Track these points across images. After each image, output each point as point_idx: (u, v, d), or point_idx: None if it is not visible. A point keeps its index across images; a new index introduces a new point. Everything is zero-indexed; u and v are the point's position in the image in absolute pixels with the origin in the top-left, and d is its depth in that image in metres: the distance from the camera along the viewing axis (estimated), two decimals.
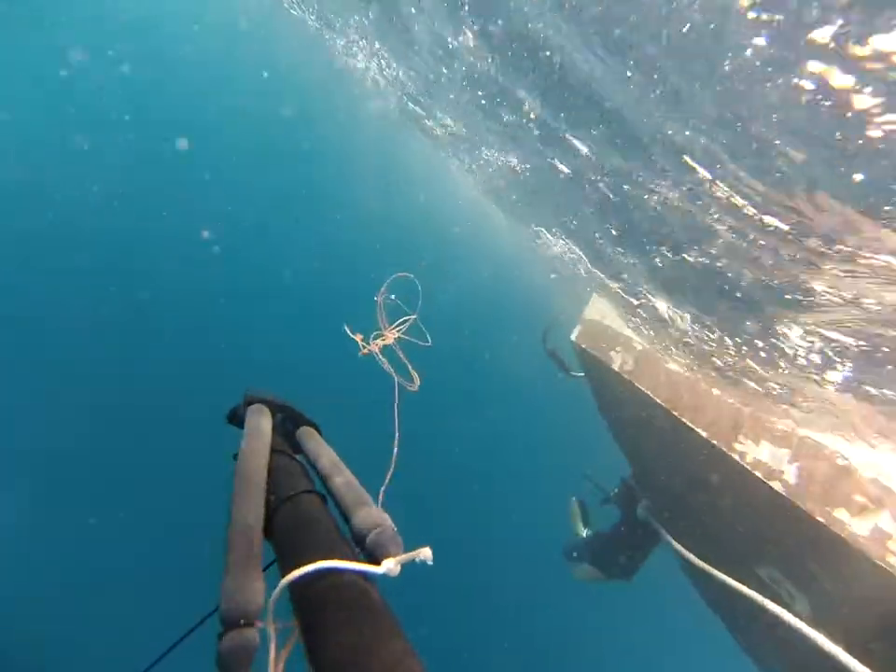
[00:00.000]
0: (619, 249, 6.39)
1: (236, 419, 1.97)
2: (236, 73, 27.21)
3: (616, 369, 6.21)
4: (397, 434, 2.03)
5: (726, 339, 5.03)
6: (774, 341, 4.16)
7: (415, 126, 10.71)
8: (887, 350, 3.21)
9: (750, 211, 3.20)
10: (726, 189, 3.24)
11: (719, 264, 4.28)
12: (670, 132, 3.20)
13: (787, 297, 3.52)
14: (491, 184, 9.73)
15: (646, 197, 4.48)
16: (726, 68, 2.41)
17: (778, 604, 3.69)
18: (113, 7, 23.05)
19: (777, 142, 2.54)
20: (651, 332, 6.59)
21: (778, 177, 2.75)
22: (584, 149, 4.88)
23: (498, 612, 23.94)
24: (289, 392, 2.10)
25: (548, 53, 3.79)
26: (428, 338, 2.35)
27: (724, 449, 3.98)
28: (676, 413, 4.58)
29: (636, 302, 6.69)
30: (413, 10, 5.57)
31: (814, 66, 2.00)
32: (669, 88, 2.87)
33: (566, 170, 5.86)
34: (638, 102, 3.26)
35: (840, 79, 1.98)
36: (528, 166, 7.18)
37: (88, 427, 20.71)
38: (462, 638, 21.51)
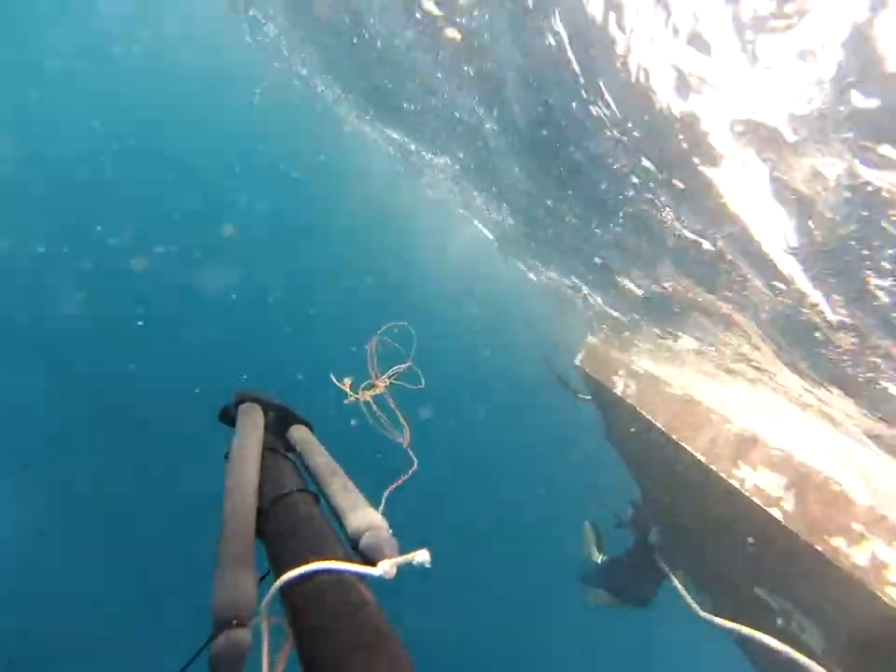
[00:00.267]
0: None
1: (228, 418, 1.93)
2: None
3: (619, 393, 6.20)
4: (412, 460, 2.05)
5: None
6: None
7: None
8: None
9: None
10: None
11: None
12: None
13: None
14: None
15: None
16: None
17: (791, 639, 3.62)
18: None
19: None
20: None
21: None
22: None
23: (503, 626, 23.34)
24: (281, 393, 2.09)
25: None
26: (422, 380, 2.34)
27: (723, 474, 3.95)
28: (675, 438, 4.56)
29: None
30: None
31: None
32: None
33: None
34: None
35: None
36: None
37: (84, 424, 20.80)
38: (457, 641, 20.89)
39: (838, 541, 2.91)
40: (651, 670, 24.58)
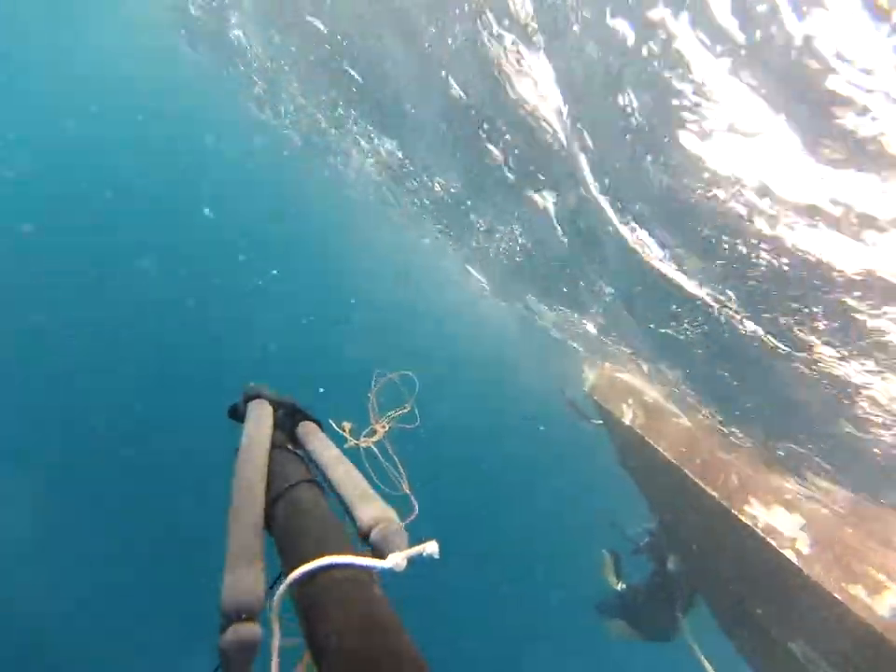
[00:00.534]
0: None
1: (237, 414, 1.95)
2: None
3: (627, 422, 6.09)
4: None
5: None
6: None
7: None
8: None
9: None
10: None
11: None
12: None
13: None
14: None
15: None
16: None
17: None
18: None
19: None
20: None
21: None
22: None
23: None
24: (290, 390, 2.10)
25: None
26: (417, 418, 2.30)
27: (735, 512, 3.82)
28: (686, 471, 4.43)
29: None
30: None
31: None
32: None
33: None
34: None
35: None
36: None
37: (91, 425, 20.83)
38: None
39: (857, 589, 2.77)
40: None
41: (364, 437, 2.28)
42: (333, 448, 1.84)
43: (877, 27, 2.01)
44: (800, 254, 3.04)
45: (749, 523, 3.66)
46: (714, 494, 4.13)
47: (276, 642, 1.20)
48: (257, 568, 1.26)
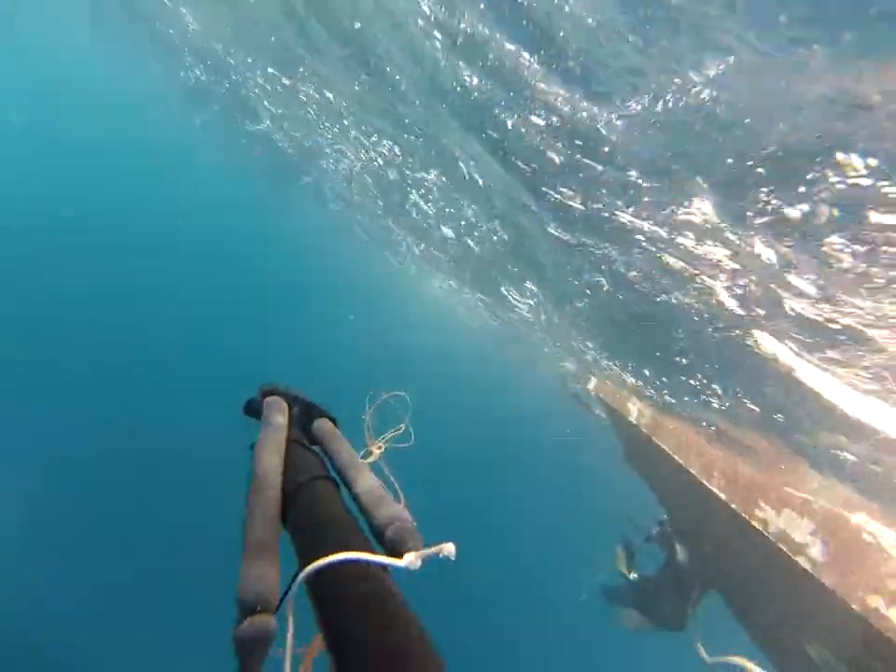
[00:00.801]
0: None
1: (253, 411, 1.96)
2: None
3: (633, 420, 5.99)
4: None
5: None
6: None
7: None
8: None
9: None
10: None
11: None
12: None
13: None
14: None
15: None
16: None
17: None
18: None
19: None
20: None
21: None
22: None
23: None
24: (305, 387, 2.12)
25: None
26: (412, 437, 2.27)
27: (745, 515, 3.71)
28: (694, 473, 4.33)
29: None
30: None
31: None
32: None
33: None
34: None
35: None
36: None
37: (102, 422, 20.46)
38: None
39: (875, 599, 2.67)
40: None
41: (361, 458, 2.33)
42: (348, 447, 1.84)
43: None
44: None
45: (760, 526, 3.55)
46: (720, 494, 4.02)
47: (291, 634, 1.19)
48: (273, 562, 1.27)
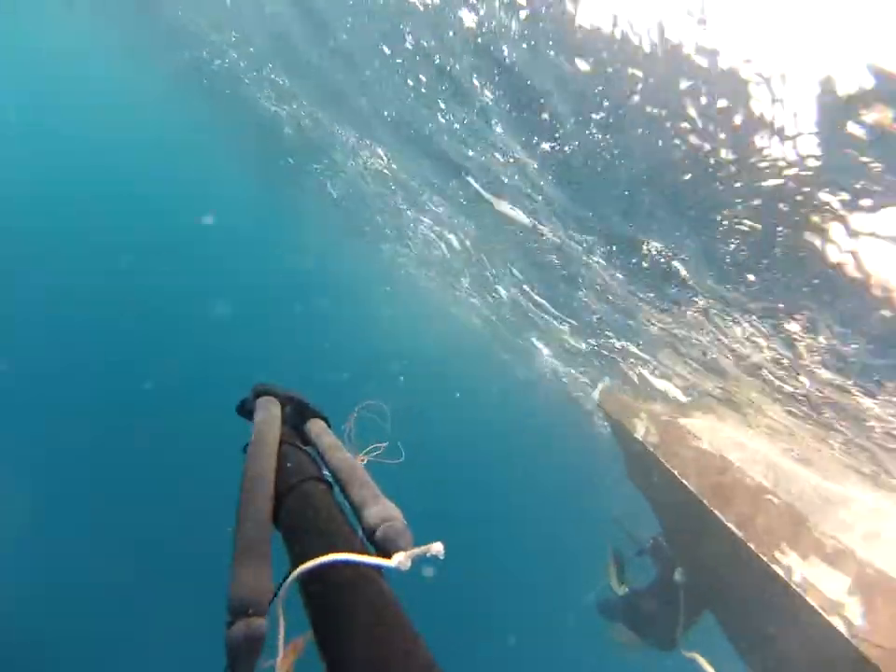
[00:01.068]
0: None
1: (246, 411, 1.96)
2: None
3: (640, 438, 5.63)
4: None
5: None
6: None
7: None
8: None
9: None
10: None
11: None
12: None
13: None
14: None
15: None
16: None
17: None
18: None
19: None
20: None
21: None
22: None
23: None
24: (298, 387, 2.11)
25: None
26: (402, 453, 2.20)
27: (765, 559, 3.34)
28: (706, 503, 3.97)
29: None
30: None
31: None
32: None
33: None
34: None
35: None
36: None
37: (98, 423, 20.58)
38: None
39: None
40: None
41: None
42: (341, 447, 1.82)
43: None
44: None
45: (783, 574, 3.19)
46: (738, 532, 3.65)
47: (282, 636, 1.19)
48: (264, 564, 1.26)
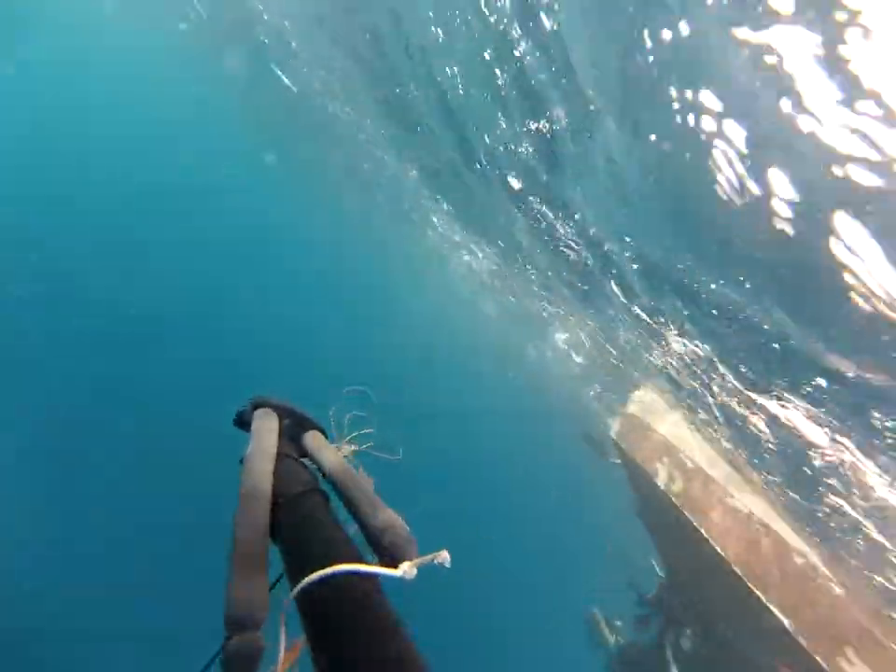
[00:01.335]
0: None
1: (243, 423, 1.93)
2: None
3: (661, 486, 5.30)
4: None
5: None
6: None
7: None
8: None
9: None
10: None
11: None
12: None
13: None
14: None
15: None
16: None
17: None
18: None
19: None
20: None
21: None
22: None
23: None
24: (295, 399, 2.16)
25: None
26: (400, 451, 2.18)
27: (823, 663, 3.03)
28: (751, 586, 3.65)
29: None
30: None
31: None
32: None
33: None
34: None
35: None
36: None
37: (97, 429, 21.00)
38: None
39: None
40: None
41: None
42: (339, 458, 1.83)
43: None
44: None
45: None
46: (789, 625, 3.34)
47: (282, 650, 1.17)
48: (261, 578, 1.27)
